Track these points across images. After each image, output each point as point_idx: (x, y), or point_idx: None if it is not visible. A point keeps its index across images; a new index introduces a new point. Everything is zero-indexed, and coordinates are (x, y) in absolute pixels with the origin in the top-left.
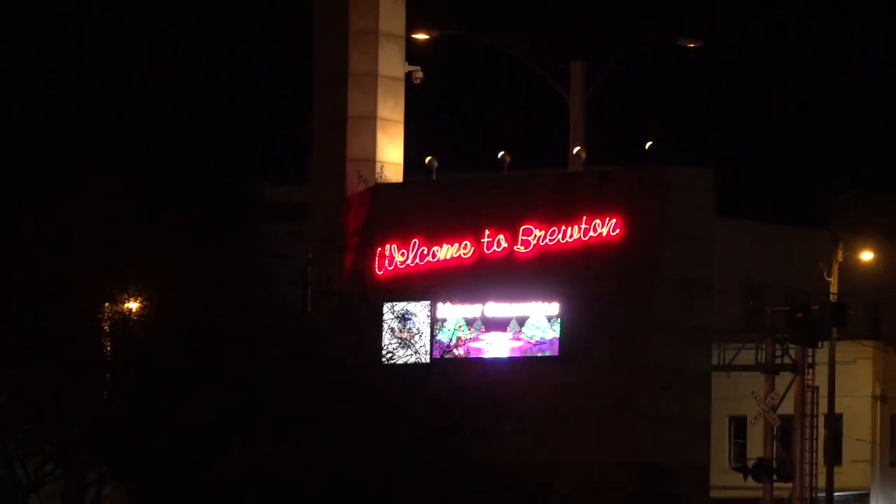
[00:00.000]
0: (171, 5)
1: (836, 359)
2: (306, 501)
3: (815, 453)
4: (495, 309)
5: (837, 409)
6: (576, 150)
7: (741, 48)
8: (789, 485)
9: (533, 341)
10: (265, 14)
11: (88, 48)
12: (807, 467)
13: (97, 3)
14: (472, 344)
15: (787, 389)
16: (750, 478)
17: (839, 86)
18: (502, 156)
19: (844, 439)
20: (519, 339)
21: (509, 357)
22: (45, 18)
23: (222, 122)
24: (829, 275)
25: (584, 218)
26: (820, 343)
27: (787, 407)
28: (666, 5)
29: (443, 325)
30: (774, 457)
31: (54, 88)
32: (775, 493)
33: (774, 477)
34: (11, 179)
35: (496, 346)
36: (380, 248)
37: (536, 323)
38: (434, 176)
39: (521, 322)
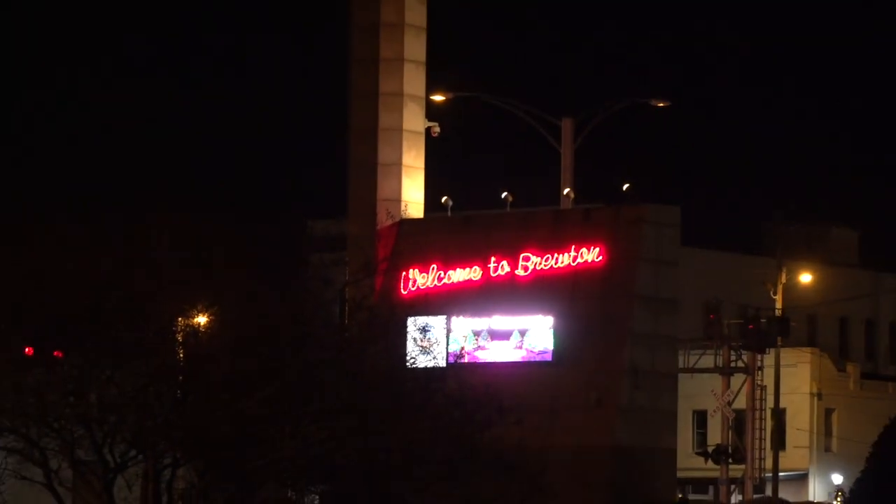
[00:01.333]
0: (223, 69)
1: (781, 363)
2: (342, 476)
3: (763, 440)
4: (500, 322)
5: (781, 404)
6: (566, 191)
7: (704, 106)
8: (742, 466)
9: (531, 349)
10: (306, 78)
11: (148, 97)
12: (756, 452)
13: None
14: (479, 351)
15: (740, 388)
16: (710, 461)
17: (784, 138)
18: (505, 196)
19: (787, 429)
20: (520, 348)
21: (511, 362)
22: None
23: (276, 168)
24: (775, 294)
25: (573, 247)
26: (767, 350)
27: (740, 402)
28: (639, 72)
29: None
30: (730, 443)
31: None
32: (731, 473)
33: (730, 460)
34: (100, 220)
35: (500, 353)
36: (404, 272)
37: (535, 334)
38: (449, 212)
39: (522, 333)
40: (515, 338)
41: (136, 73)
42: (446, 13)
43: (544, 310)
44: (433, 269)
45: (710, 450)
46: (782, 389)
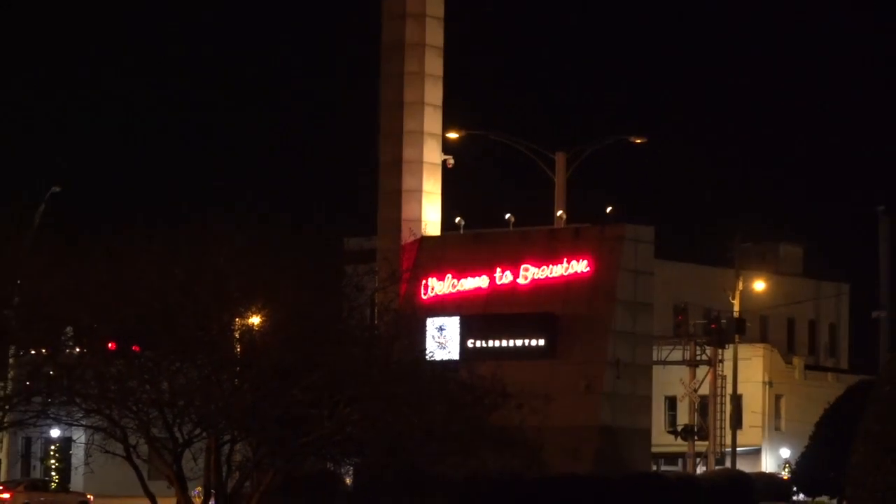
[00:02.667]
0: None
1: (738, 356)
2: (372, 451)
3: (723, 421)
4: (504, 321)
5: (739, 391)
6: (559, 213)
7: (676, 141)
8: (706, 443)
9: (530, 344)
10: (343, 120)
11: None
12: (718, 431)
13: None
14: (488, 345)
15: (704, 377)
16: (679, 438)
17: (742, 168)
18: (508, 217)
19: (743, 411)
20: (521, 343)
21: (515, 355)
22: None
23: (319, 194)
24: (733, 298)
25: (565, 259)
26: (726, 345)
27: (704, 389)
28: (621, 112)
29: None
30: (695, 423)
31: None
32: (696, 448)
33: (696, 437)
34: (173, 237)
35: (506, 347)
36: (424, 281)
37: (534, 332)
38: (461, 231)
39: (524, 331)
40: (517, 334)
41: (194, 108)
42: (460, 62)
43: (541, 312)
44: (448, 277)
45: (679, 429)
46: (739, 378)
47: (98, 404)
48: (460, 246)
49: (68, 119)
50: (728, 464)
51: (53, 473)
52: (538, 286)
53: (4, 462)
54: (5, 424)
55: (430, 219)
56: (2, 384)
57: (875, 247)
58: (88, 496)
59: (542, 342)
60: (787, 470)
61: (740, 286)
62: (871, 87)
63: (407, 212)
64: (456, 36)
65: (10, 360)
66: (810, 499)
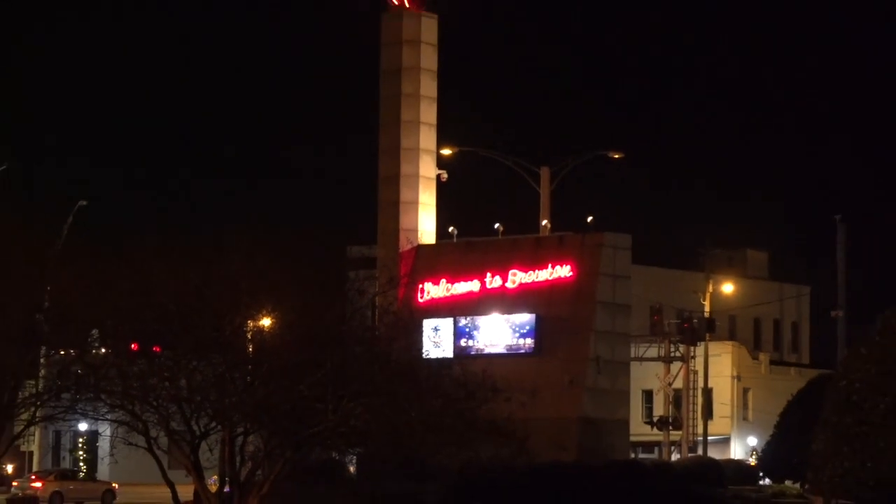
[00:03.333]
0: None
1: (708, 353)
2: (374, 442)
3: (695, 412)
4: (494, 322)
5: (709, 384)
6: (544, 222)
7: (650, 156)
8: (679, 432)
9: (518, 343)
10: (344, 137)
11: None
12: (690, 421)
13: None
14: (479, 344)
15: (678, 372)
16: (655, 428)
17: (711, 181)
18: (497, 226)
19: (714, 403)
20: (510, 342)
21: (503, 353)
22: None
23: (324, 207)
24: (704, 300)
25: (550, 265)
26: (698, 343)
27: (678, 383)
28: (601, 128)
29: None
30: (670, 414)
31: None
32: (671, 437)
33: (670, 427)
34: (190, 246)
35: (495, 346)
36: (420, 285)
37: (521, 332)
38: (454, 239)
39: (512, 331)
40: (506, 334)
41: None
42: (453, 84)
43: (528, 313)
44: (443, 282)
45: (655, 420)
46: (710, 373)
47: (122, 400)
48: (453, 253)
49: (92, 131)
50: (700, 451)
51: (81, 464)
52: (525, 290)
53: (37, 453)
54: (37, 419)
55: (426, 228)
56: (34, 382)
57: (833, 252)
58: (113, 484)
59: (528, 341)
60: (754, 457)
61: (710, 289)
62: (830, 104)
63: (404, 222)
64: (450, 59)
65: (42, 360)
66: (775, 483)
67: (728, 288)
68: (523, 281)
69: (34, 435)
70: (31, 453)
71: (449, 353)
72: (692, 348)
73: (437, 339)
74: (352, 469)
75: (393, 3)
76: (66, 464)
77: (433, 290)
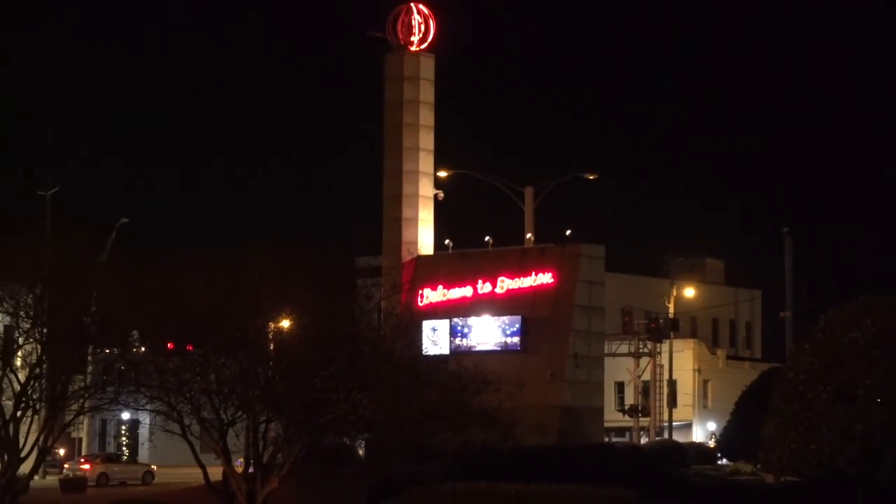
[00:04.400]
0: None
1: (673, 349)
2: (379, 429)
3: (661, 401)
4: (485, 323)
5: (674, 377)
6: (528, 235)
7: (623, 175)
8: (648, 419)
9: (506, 341)
10: (351, 160)
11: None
12: (657, 409)
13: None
14: (471, 342)
15: (646, 366)
16: (626, 415)
17: (676, 200)
18: (488, 239)
19: (678, 393)
20: (499, 339)
21: (493, 350)
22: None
23: (335, 222)
24: (669, 303)
25: (533, 273)
26: (663, 340)
27: (646, 376)
28: (579, 151)
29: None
30: (639, 403)
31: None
32: (640, 423)
33: (639, 414)
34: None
35: (486, 344)
36: (420, 291)
37: (509, 331)
38: (450, 251)
39: (501, 331)
40: (496, 333)
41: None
42: (451, 111)
43: (514, 315)
44: (440, 288)
45: (626, 408)
46: (674, 367)
47: (159, 392)
48: (449, 263)
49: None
50: (666, 435)
51: (124, 448)
52: (512, 295)
53: (85, 439)
54: (85, 409)
55: (425, 241)
56: (82, 377)
57: (782, 260)
58: (152, 466)
59: (515, 339)
60: (713, 440)
61: (674, 293)
62: (780, 127)
63: (406, 236)
64: (447, 91)
65: (89, 358)
66: (731, 463)
67: (690, 292)
68: (510, 287)
69: (83, 423)
70: (80, 439)
71: (445, 351)
72: (658, 345)
73: (434, 339)
74: (361, 452)
75: (396, 44)
76: (110, 448)
77: (431, 296)
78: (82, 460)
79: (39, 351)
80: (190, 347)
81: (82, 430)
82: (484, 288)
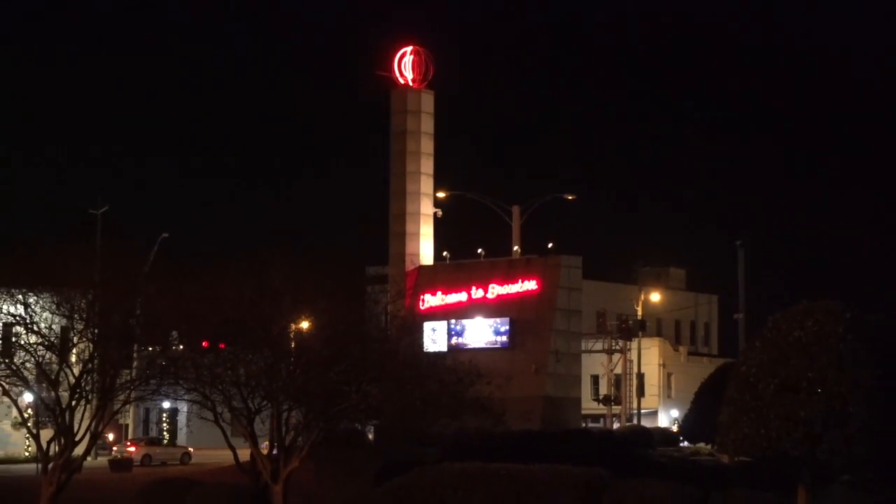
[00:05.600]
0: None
1: (641, 346)
2: (387, 416)
3: (631, 392)
4: (478, 324)
5: (642, 370)
6: (515, 248)
7: (600, 196)
8: (619, 407)
9: (496, 339)
10: (362, 184)
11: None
12: (627, 398)
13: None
14: (466, 341)
15: (618, 361)
16: (601, 404)
17: (642, 211)
18: (480, 252)
19: (645, 385)
20: (490, 338)
21: (485, 347)
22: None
23: (348, 236)
24: (637, 306)
25: (520, 280)
26: (633, 339)
27: (618, 369)
28: (561, 172)
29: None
30: (612, 394)
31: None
32: (613, 411)
33: (612, 403)
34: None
35: (479, 342)
36: (421, 296)
37: (498, 331)
38: (447, 261)
39: (491, 331)
40: (487, 333)
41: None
42: (449, 140)
43: (504, 317)
44: (438, 294)
45: (600, 398)
46: (642, 362)
47: (195, 385)
48: (446, 272)
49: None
50: (635, 421)
51: (165, 433)
52: (501, 299)
53: (131, 425)
54: (131, 399)
55: (426, 253)
56: (129, 371)
57: (735, 269)
58: (189, 448)
59: (504, 338)
60: (676, 425)
61: (642, 297)
62: (735, 144)
63: (409, 248)
64: (445, 123)
65: (134, 355)
66: (692, 445)
67: (655, 297)
68: (500, 293)
69: (129, 411)
70: (126, 425)
71: (443, 348)
72: (628, 343)
73: (434, 338)
74: (370, 437)
75: (400, 82)
76: (153, 433)
77: (431, 300)
78: (128, 443)
79: (91, 349)
80: (222, 346)
81: (129, 418)
82: (477, 294)
